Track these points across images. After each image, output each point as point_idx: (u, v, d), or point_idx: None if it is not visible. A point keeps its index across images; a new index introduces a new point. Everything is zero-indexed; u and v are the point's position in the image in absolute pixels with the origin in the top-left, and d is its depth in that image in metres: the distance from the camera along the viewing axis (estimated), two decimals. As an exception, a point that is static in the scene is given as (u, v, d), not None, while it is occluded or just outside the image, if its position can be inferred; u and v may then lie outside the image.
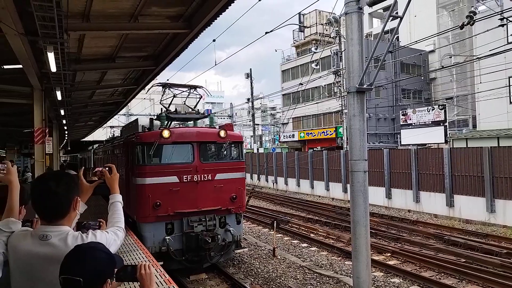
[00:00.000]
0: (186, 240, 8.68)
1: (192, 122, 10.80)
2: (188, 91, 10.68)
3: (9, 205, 2.12)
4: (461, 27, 11.49)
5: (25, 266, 1.81)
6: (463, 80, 32.41)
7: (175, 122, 10.92)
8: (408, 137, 27.51)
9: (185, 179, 8.77)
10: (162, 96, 10.42)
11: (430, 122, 26.54)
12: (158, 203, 8.50)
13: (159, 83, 10.59)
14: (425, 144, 26.39)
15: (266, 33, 12.98)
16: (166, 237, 8.55)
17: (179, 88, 10.65)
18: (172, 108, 10.51)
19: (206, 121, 12.25)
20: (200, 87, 10.71)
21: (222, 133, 9.27)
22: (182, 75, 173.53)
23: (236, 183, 9.50)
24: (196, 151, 8.98)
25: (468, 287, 8.47)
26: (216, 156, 9.74)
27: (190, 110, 10.75)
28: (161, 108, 10.31)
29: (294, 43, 43.32)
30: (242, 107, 53.50)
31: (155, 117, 10.06)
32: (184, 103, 10.87)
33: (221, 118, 53.02)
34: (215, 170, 9.18)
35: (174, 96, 10.61)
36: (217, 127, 10.29)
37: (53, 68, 8.71)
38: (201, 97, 10.92)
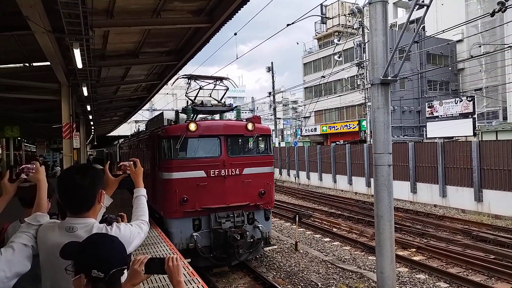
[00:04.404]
0: (214, 236, 8.46)
1: (218, 115, 10.58)
2: (214, 83, 10.38)
3: (37, 201, 2.20)
4: (492, 14, 11.01)
5: (53, 257, 1.86)
6: (493, 70, 31.18)
7: (201, 115, 10.64)
8: (434, 130, 26.77)
9: (212, 174, 8.54)
10: (188, 88, 10.16)
11: (458, 114, 25.72)
12: (185, 198, 8.30)
13: (185, 74, 10.39)
14: (452, 137, 25.64)
15: (288, 25, 12.88)
16: (194, 234, 8.33)
17: (205, 80, 10.36)
18: (198, 101, 10.19)
19: (229, 114, 12.16)
20: (226, 78, 10.44)
21: (250, 126, 8.94)
22: (204, 69, 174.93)
23: (264, 177, 9.18)
24: (223, 144, 8.73)
25: (497, 285, 8.20)
26: (243, 150, 9.45)
27: (216, 102, 10.41)
28: (187, 101, 10.05)
29: (316, 35, 42.76)
30: (263, 101, 53.36)
31: (181, 110, 9.82)
32: (210, 95, 10.59)
33: (242, 112, 52.99)
34: (243, 164, 8.90)
35: (200, 88, 10.33)
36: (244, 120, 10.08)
37: (79, 65, 8.91)
38: (228, 89, 10.69)
